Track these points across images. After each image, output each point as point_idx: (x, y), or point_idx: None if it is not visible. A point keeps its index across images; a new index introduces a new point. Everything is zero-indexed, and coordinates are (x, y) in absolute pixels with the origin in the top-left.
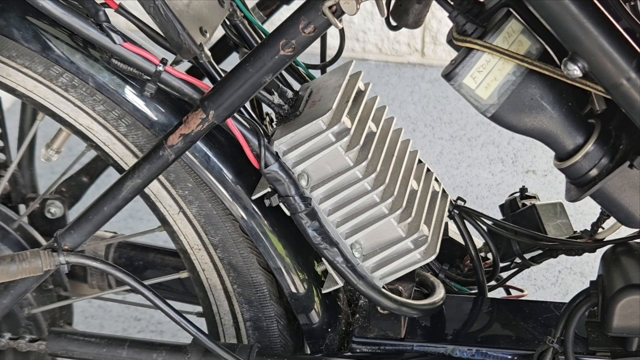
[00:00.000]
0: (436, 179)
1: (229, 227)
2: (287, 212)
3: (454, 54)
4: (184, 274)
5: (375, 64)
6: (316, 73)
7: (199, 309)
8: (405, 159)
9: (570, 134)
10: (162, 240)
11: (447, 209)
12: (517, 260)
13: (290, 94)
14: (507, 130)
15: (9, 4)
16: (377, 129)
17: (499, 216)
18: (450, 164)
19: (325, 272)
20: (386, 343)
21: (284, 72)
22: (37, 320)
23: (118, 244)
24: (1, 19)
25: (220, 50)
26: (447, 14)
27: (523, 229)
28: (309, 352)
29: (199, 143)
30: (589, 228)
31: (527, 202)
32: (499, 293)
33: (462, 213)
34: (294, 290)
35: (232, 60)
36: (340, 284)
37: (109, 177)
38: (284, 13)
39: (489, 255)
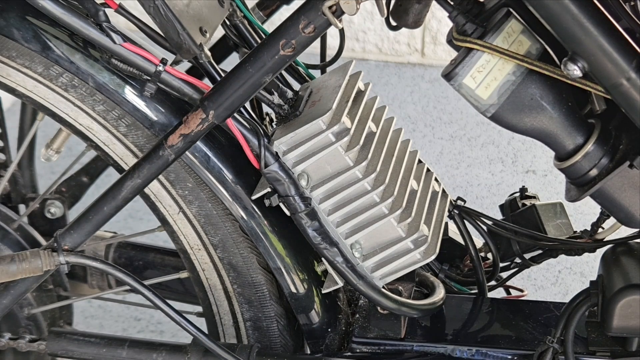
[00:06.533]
0: (436, 179)
1: (229, 227)
2: (287, 212)
3: (454, 54)
4: (184, 274)
5: (375, 64)
6: (316, 73)
7: (199, 309)
8: (405, 159)
9: (570, 134)
10: (162, 240)
11: (447, 209)
12: (517, 260)
13: (290, 94)
14: (507, 130)
15: (9, 4)
16: (377, 129)
17: (499, 216)
18: (450, 164)
19: (325, 272)
20: (386, 343)
21: (284, 72)
22: (37, 320)
23: (118, 244)
24: (1, 19)
25: (220, 50)
26: (447, 14)
27: (523, 229)
28: (309, 352)
29: (199, 143)
30: (589, 228)
31: (527, 202)
32: (499, 293)
33: (462, 213)
34: (294, 290)
35: (232, 60)
36: (340, 284)
37: (109, 177)
38: (284, 13)
39: (489, 255)
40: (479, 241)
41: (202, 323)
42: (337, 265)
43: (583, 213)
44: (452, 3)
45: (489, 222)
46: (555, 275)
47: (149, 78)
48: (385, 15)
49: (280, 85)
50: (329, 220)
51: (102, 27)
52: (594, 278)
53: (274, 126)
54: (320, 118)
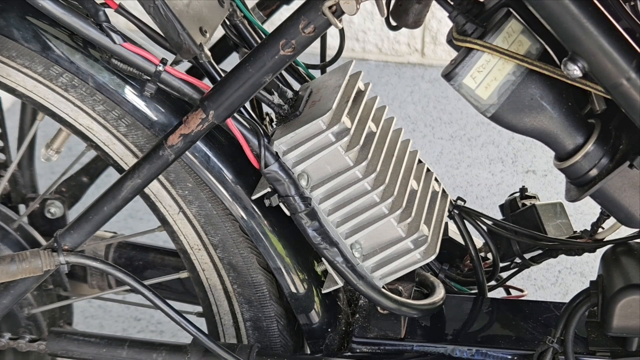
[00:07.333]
0: (436, 179)
1: (229, 227)
2: (287, 212)
3: (454, 54)
4: (184, 274)
5: (375, 64)
6: (316, 73)
7: (199, 309)
8: (405, 159)
9: (570, 134)
10: (162, 240)
11: (447, 209)
12: (517, 260)
13: (290, 94)
14: (507, 130)
15: (9, 4)
16: (377, 129)
17: (499, 216)
18: (450, 164)
19: (325, 272)
20: (386, 343)
21: (284, 72)
22: (37, 320)
23: (118, 244)
24: (1, 19)
25: (220, 50)
26: (447, 14)
27: (523, 229)
28: (309, 352)
29: (199, 143)
30: (589, 228)
31: (527, 202)
32: (499, 293)
33: (462, 213)
34: (294, 290)
35: (232, 60)
36: (340, 284)
37: (109, 177)
38: (284, 13)
39: (489, 255)
40: (479, 241)
41: (202, 323)
42: (337, 265)
43: (583, 213)
44: (452, 3)
45: (489, 222)
46: (555, 275)
47: (149, 78)
48: (385, 15)
49: (280, 85)
50: (329, 220)
51: (102, 27)
52: (594, 278)
53: (274, 126)
54: (320, 118)
